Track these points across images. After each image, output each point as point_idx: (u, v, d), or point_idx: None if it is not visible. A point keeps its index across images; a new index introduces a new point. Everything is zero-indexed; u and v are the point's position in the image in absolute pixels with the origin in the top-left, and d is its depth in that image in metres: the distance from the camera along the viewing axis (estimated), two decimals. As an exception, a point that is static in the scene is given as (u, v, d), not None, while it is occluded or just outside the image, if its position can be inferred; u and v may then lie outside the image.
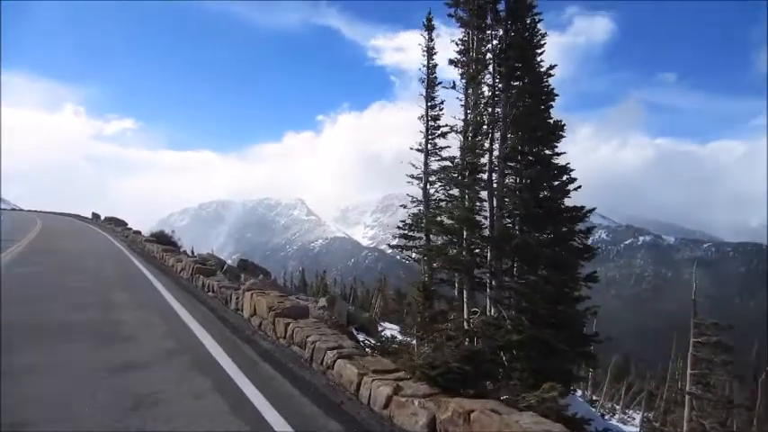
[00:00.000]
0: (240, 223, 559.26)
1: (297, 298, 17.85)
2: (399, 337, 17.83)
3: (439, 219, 16.68)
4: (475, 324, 10.13)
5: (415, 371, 5.41)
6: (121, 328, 8.32)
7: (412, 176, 20.14)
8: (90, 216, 51.64)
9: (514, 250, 11.05)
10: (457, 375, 5.02)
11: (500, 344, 9.88)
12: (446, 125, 19.48)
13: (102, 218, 47.69)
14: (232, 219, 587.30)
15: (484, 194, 12.34)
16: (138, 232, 32.46)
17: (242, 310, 9.75)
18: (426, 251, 12.72)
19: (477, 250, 11.85)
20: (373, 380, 5.39)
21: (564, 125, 12.68)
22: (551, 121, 12.71)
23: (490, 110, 12.29)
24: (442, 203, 18.54)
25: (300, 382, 6.08)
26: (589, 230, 12.13)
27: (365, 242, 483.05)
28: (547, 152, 12.60)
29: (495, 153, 11.93)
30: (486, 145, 11.80)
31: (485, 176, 12.26)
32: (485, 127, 12.29)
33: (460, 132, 16.95)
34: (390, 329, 25.41)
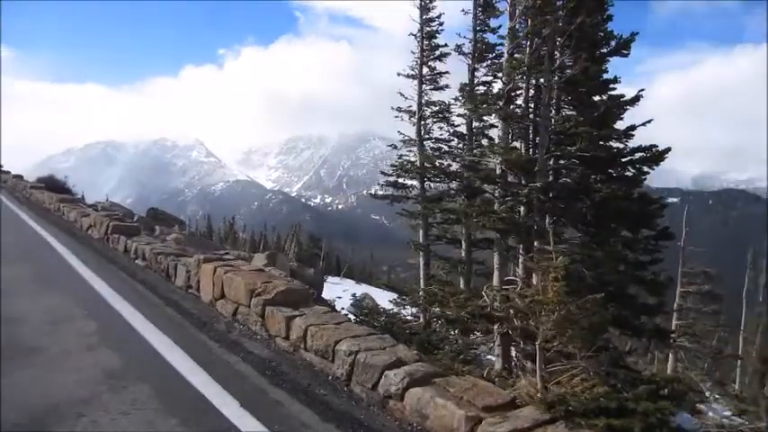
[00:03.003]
0: (133, 165, 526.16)
1: (225, 254, 15.18)
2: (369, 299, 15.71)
3: (440, 163, 14.26)
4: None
5: (571, 411, 3.25)
6: (21, 329, 5.48)
7: (399, 109, 16.66)
8: (-48, 158, 44.38)
9: (598, 205, 8.98)
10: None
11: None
12: (445, 44, 16.16)
13: (-29, 160, 41.05)
14: (123, 161, 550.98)
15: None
16: (20, 177, 27.58)
17: (196, 289, 7.10)
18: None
19: (513, 204, 9.60)
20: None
21: (633, 40, 10.31)
22: (613, 35, 10.25)
23: (529, 22, 9.85)
24: (442, 143, 15.94)
25: (356, 427, 3.75)
26: (641, 174, 10.08)
27: (269, 185, 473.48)
28: (603, 77, 10.45)
29: (542, 78, 9.64)
30: (524, 65, 9.35)
31: (518, 108, 10.04)
32: (526, 42, 9.87)
33: (469, 54, 14.39)
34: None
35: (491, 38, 14.77)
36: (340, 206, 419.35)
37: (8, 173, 30.33)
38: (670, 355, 16.17)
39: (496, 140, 10.45)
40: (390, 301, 13.72)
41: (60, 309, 6.25)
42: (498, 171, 9.93)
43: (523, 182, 9.40)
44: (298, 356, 4.95)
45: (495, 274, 10.02)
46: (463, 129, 15.51)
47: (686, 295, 15.70)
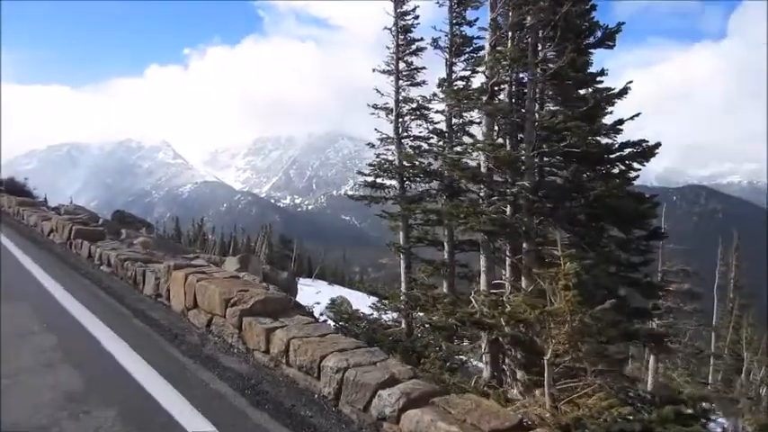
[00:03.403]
0: (97, 168, 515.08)
1: (196, 257, 14.69)
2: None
3: (420, 161, 13.68)
4: (513, 306, 7.62)
5: None
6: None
7: (375, 106, 15.85)
8: None
9: (592, 203, 8.67)
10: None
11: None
12: (421, 39, 15.51)
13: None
14: (88, 162, 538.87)
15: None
16: (-21, 180, 26.49)
17: (166, 298, 6.64)
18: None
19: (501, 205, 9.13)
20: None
21: (619, 31, 9.86)
22: (598, 25, 9.79)
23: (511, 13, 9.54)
24: (421, 141, 15.40)
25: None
26: (629, 171, 9.72)
27: (238, 186, 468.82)
28: (588, 71, 10.08)
29: (518, 73, 9.28)
30: (510, 56, 8.89)
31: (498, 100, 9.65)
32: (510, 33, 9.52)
33: (446, 49, 13.90)
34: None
35: (468, 31, 14.41)
36: (310, 207, 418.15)
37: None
38: (650, 357, 16.14)
39: (480, 137, 10.11)
40: (370, 307, 13.26)
41: (16, 321, 5.74)
42: (484, 169, 9.57)
43: (510, 180, 9.06)
44: (279, 372, 4.57)
45: (482, 277, 9.61)
46: (442, 125, 15.02)
47: (666, 294, 15.65)
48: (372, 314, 12.65)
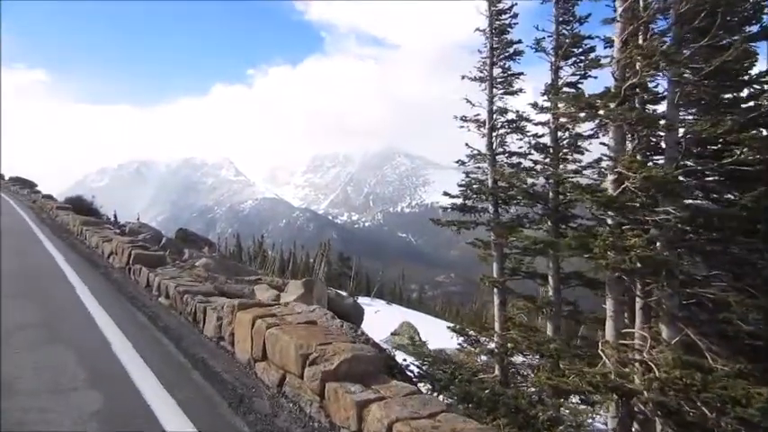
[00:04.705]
0: (164, 184, 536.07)
1: (258, 279, 13.88)
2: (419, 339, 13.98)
3: (520, 182, 12.08)
4: (663, 365, 6.20)
5: None
6: (9, 402, 4.10)
7: (464, 119, 13.88)
8: (-10, 177, 44.32)
9: None
10: None
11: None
12: (519, 40, 13.63)
13: (6, 178, 40.87)
14: (155, 179, 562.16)
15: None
16: (50, 197, 27.24)
17: (230, 342, 5.65)
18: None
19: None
20: None
21: None
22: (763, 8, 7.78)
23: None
24: (520, 158, 13.76)
25: None
26: None
27: (296, 202, 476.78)
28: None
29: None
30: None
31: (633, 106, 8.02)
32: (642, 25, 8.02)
33: (551, 51, 12.41)
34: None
35: (574, 29, 12.53)
36: (366, 223, 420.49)
37: (38, 192, 30.14)
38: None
39: (608, 152, 8.60)
40: (458, 348, 11.78)
41: (59, 371, 4.86)
42: (612, 191, 8.01)
43: (648, 206, 7.47)
44: (379, 469, 3.43)
45: (609, 323, 7.99)
46: (544, 139, 13.16)
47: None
48: (457, 353, 11.30)
